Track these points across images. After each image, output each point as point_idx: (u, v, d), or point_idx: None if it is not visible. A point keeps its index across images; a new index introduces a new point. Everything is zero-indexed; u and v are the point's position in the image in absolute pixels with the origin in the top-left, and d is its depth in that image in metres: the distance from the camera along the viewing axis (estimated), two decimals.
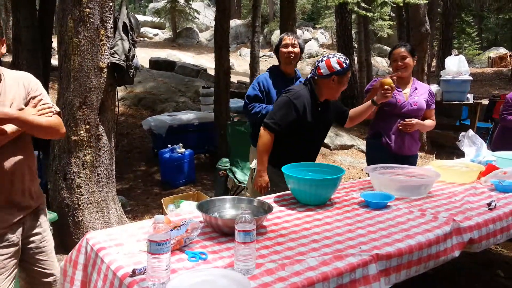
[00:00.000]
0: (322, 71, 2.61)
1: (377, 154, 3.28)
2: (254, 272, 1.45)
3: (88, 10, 3.12)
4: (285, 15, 6.47)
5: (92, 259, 1.64)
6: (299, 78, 3.21)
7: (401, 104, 3.11)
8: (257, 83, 3.12)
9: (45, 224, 2.07)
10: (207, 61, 17.08)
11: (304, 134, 2.70)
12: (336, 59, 2.59)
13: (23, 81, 1.87)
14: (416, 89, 3.20)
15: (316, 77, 2.65)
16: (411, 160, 3.19)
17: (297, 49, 3.07)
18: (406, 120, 3.09)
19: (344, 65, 2.59)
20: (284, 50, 3.06)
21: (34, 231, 1.99)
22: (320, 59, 2.67)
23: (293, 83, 3.12)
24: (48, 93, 6.79)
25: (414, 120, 3.09)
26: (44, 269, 2.05)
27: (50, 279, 2.07)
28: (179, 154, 5.24)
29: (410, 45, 3.18)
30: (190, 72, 11.28)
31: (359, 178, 3.01)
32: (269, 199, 2.33)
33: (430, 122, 3.26)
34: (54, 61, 6.42)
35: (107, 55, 3.26)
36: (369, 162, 3.36)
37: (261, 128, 2.64)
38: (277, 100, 2.72)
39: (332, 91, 2.69)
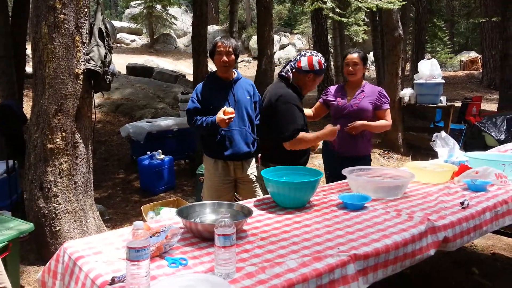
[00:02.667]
0: (302, 65, 2.84)
1: (326, 156, 3.49)
2: (235, 275, 1.46)
3: (62, 16, 3.08)
4: (262, 21, 6.52)
5: (70, 268, 1.62)
6: (239, 80, 3.09)
7: (342, 106, 3.24)
8: (195, 95, 3.01)
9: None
10: (186, 67, 17.03)
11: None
12: (318, 59, 2.85)
13: None
14: (362, 91, 3.26)
15: (294, 70, 2.87)
16: (361, 162, 3.03)
17: (232, 57, 2.93)
18: (350, 124, 3.14)
19: (323, 66, 2.88)
20: (218, 57, 2.92)
21: None
22: (302, 54, 2.91)
23: (232, 86, 3.02)
24: (23, 101, 6.62)
25: (357, 123, 3.11)
26: None
27: None
28: (159, 161, 5.20)
29: (364, 53, 3.30)
30: (168, 78, 11.21)
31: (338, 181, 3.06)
32: (249, 203, 2.35)
33: (382, 123, 3.25)
34: (29, 68, 6.30)
35: (83, 61, 3.22)
36: (324, 165, 3.58)
37: (295, 140, 2.72)
38: (283, 110, 2.75)
39: (305, 87, 2.92)
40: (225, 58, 2.92)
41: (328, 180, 3.32)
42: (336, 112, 3.29)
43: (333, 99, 3.32)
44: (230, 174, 3.05)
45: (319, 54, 2.90)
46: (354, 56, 3.23)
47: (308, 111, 3.41)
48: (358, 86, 3.29)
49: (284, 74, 2.91)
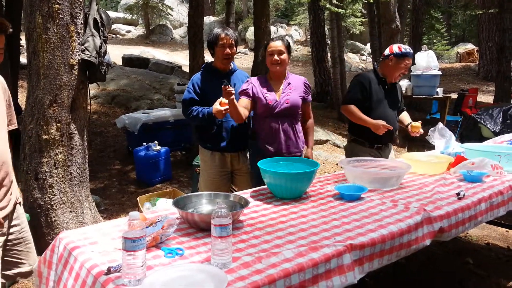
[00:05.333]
0: (385, 53, 3.23)
1: (259, 158, 2.80)
2: (231, 265, 1.46)
3: (57, 5, 3.04)
4: (258, 12, 6.48)
5: (64, 258, 1.62)
6: (235, 71, 3.09)
7: (272, 105, 2.85)
8: (192, 85, 2.98)
9: (22, 216, 2.15)
10: (182, 58, 16.92)
11: (379, 107, 3.22)
12: (398, 45, 3.21)
13: (1, 85, 2.11)
14: (289, 84, 2.93)
15: (380, 59, 3.29)
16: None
17: (234, 49, 2.93)
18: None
19: (403, 49, 3.14)
20: (221, 50, 2.90)
21: (14, 223, 2.06)
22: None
23: (229, 77, 3.01)
24: (17, 91, 6.57)
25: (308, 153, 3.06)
26: (21, 259, 2.11)
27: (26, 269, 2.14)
28: (155, 152, 5.19)
29: (287, 40, 2.96)
30: (164, 69, 11.14)
31: (334, 172, 3.06)
32: (246, 194, 2.35)
33: (312, 136, 3.16)
34: (23, 59, 6.24)
35: (78, 51, 3.19)
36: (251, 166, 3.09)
37: (343, 106, 3.25)
38: (351, 83, 3.30)
39: (389, 71, 3.22)
40: (228, 50, 2.91)
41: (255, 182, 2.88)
42: (264, 110, 2.87)
43: (259, 95, 2.88)
44: (227, 166, 3.05)
45: (403, 45, 3.24)
46: (278, 44, 2.85)
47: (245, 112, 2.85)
48: (282, 77, 2.95)
49: (375, 65, 3.35)
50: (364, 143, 3.28)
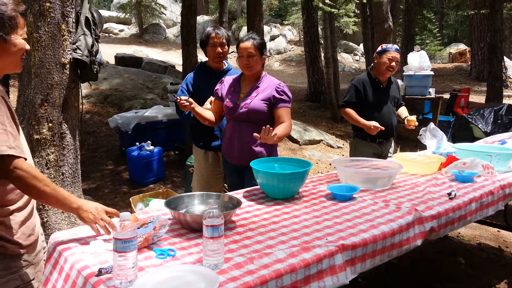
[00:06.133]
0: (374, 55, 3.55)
1: (225, 164, 2.90)
2: (223, 266, 1.46)
3: (48, 4, 3.02)
4: (252, 11, 6.47)
5: (54, 258, 1.60)
6: (229, 70, 3.07)
7: (231, 108, 2.67)
8: (185, 85, 3.02)
9: None
10: (175, 57, 16.88)
11: (375, 106, 3.49)
12: (381, 44, 3.56)
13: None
14: (257, 88, 2.68)
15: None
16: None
17: (225, 48, 2.94)
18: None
19: (384, 46, 3.45)
20: (212, 49, 2.92)
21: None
22: None
23: (223, 76, 2.94)
24: (9, 91, 6.57)
25: (273, 138, 2.33)
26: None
27: None
28: (148, 152, 5.17)
29: (260, 38, 2.66)
30: (157, 69, 11.11)
31: (328, 172, 3.06)
32: (238, 194, 2.35)
33: (282, 129, 2.51)
34: None
35: (69, 50, 3.17)
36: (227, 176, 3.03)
37: (341, 109, 3.58)
38: (348, 87, 3.59)
39: (377, 69, 3.49)
40: (219, 49, 2.93)
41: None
42: (226, 112, 2.74)
43: (224, 96, 2.76)
44: (220, 165, 3.05)
45: (386, 44, 3.55)
46: (247, 45, 2.59)
47: (215, 115, 2.81)
48: (255, 79, 2.71)
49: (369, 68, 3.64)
50: (366, 138, 3.54)
